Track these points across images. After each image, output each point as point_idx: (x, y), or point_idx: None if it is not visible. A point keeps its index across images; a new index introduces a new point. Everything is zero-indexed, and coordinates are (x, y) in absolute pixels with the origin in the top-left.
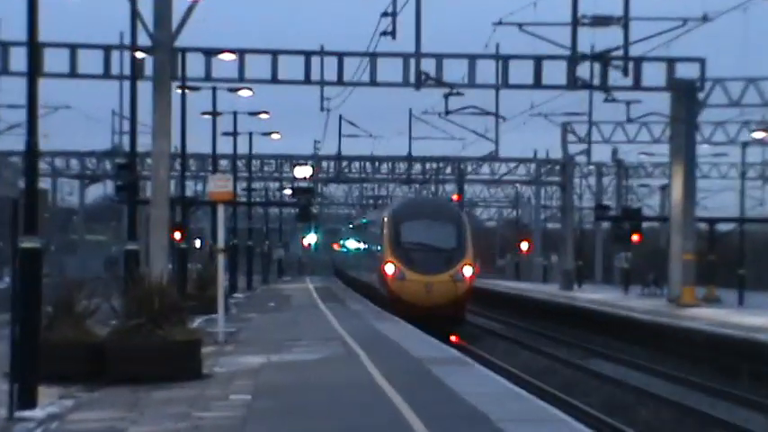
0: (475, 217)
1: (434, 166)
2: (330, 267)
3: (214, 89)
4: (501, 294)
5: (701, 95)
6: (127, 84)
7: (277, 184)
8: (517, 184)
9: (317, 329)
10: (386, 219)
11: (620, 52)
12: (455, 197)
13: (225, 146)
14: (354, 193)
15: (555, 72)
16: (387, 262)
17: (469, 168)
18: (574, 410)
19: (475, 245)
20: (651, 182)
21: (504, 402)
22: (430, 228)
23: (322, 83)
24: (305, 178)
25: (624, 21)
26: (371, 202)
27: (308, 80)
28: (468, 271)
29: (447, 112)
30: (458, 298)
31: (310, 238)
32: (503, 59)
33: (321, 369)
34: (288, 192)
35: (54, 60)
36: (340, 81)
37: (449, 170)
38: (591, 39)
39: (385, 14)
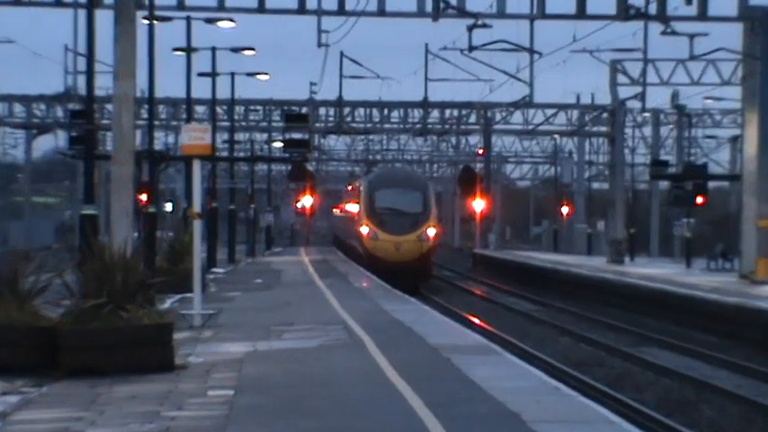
0: (503, 175)
1: (455, 113)
2: (329, 236)
3: (188, 19)
4: (535, 269)
5: None
6: (82, 13)
7: (265, 136)
8: (556, 136)
9: (313, 311)
10: (362, 187)
11: None
12: (480, 151)
13: (202, 89)
14: (359, 146)
15: None
16: (362, 224)
17: (498, 116)
18: (624, 409)
19: (505, 209)
20: (719, 132)
21: (539, 399)
22: (400, 195)
23: (319, 12)
24: (299, 128)
25: None
26: (379, 157)
27: (302, 9)
28: (431, 232)
29: (471, 48)
30: (423, 255)
31: (306, 201)
32: None
33: (318, 359)
34: (278, 145)
35: None
36: (341, 10)
37: (473, 118)
38: None
39: None
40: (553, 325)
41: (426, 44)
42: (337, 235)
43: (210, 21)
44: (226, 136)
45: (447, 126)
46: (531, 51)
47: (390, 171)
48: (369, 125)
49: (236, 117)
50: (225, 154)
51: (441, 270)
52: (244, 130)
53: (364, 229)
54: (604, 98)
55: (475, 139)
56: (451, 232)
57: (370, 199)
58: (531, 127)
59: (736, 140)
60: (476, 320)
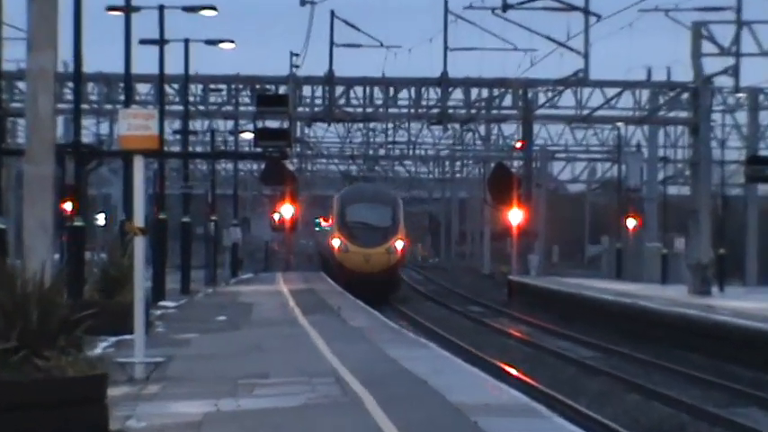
0: (549, 176)
1: (484, 94)
2: (316, 257)
3: None
4: (592, 302)
5: None
6: None
7: (230, 125)
8: (619, 124)
9: (295, 358)
10: (335, 201)
11: None
12: (518, 145)
13: (146, 62)
14: (355, 138)
15: None
16: (334, 237)
17: (542, 98)
18: None
19: (551, 221)
20: None
21: None
22: (370, 209)
23: None
24: (276, 114)
25: None
26: (382, 152)
27: None
28: (399, 245)
29: (505, 7)
30: (391, 267)
31: (285, 212)
32: None
33: (302, 423)
34: (248, 137)
35: None
36: None
37: (508, 101)
38: None
39: None
40: (616, 377)
41: (446, 2)
42: (325, 257)
43: None
44: (178, 124)
45: (473, 111)
46: (587, 12)
47: (361, 187)
48: (369, 110)
49: (191, 99)
50: (177, 148)
51: (466, 304)
52: (202, 117)
53: (336, 242)
54: (684, 74)
55: (510, 129)
56: (479, 253)
57: (341, 213)
58: (585, 112)
59: None
60: (513, 371)
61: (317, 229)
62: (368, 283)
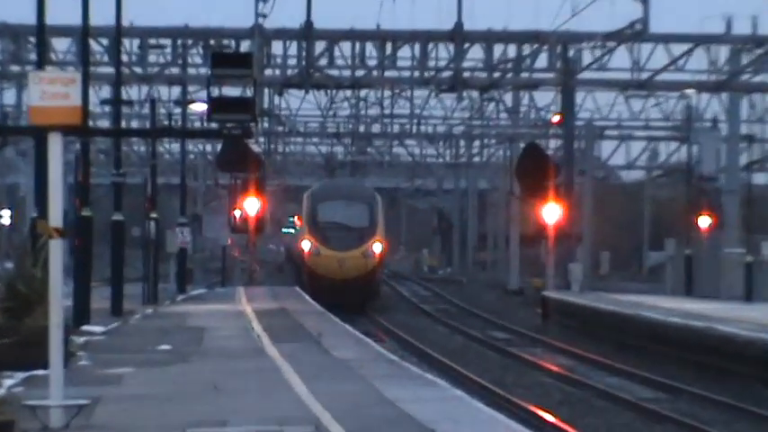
0: (596, 160)
1: (511, 52)
2: (290, 267)
3: None
4: (654, 327)
5: None
6: None
7: (177, 93)
8: (689, 92)
9: (262, 401)
10: (305, 199)
11: None
12: (555, 119)
13: (65, 10)
14: (342, 109)
15: None
16: (304, 239)
17: (587, 57)
18: None
19: (600, 220)
20: None
21: None
22: (344, 208)
23: None
24: (237, 79)
25: None
26: (377, 128)
27: None
28: (377, 248)
29: None
30: (368, 272)
31: (249, 207)
32: None
33: None
34: (199, 108)
35: None
36: None
37: (542, 61)
38: None
39: None
40: (689, 426)
41: None
42: (296, 263)
43: None
44: (108, 92)
45: (497, 74)
46: None
47: (335, 182)
48: (359, 73)
49: (125, 58)
50: (106, 123)
51: (487, 329)
52: (140, 82)
53: (305, 244)
54: None
55: (546, 98)
56: (504, 261)
57: (312, 212)
58: (644, 76)
59: None
60: (549, 417)
61: (286, 231)
62: (342, 291)
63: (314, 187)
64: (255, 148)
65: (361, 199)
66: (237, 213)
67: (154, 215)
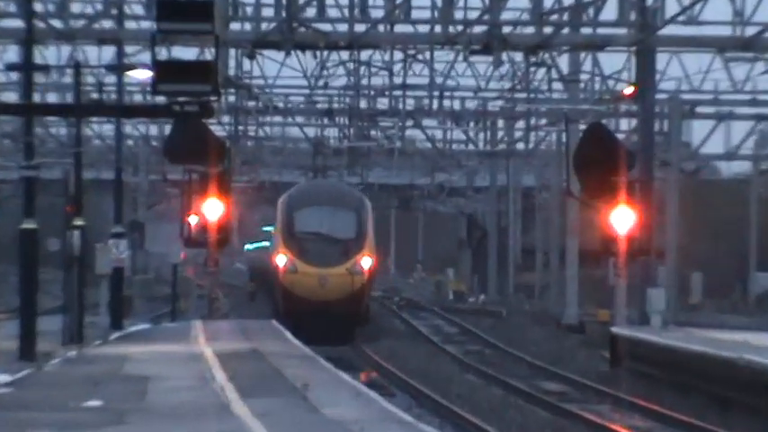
0: (686, 149)
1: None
2: (265, 290)
3: None
4: (761, 376)
5: None
6: None
7: (110, 55)
8: None
9: None
10: (279, 205)
11: None
12: (628, 90)
13: None
14: (336, 77)
15: None
16: (278, 253)
17: (672, 6)
18: None
19: (692, 230)
20: None
21: None
22: (326, 216)
23: None
24: (192, 35)
25: None
26: (384, 104)
27: None
28: (366, 263)
29: None
30: (355, 293)
31: (210, 212)
32: None
33: None
34: (139, 75)
35: None
36: None
37: (610, 11)
38: None
39: None
40: None
41: None
42: (268, 283)
43: None
44: (15, 54)
45: (547, 30)
46: None
47: (315, 185)
48: (359, 28)
49: (38, 8)
50: (13, 97)
51: (536, 378)
52: (60, 40)
53: (281, 259)
54: None
55: (616, 61)
56: (557, 286)
57: (288, 221)
58: (750, 31)
59: None
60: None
61: (252, 247)
62: (323, 316)
63: (290, 191)
64: (218, 133)
65: (347, 205)
66: (193, 220)
67: (78, 222)
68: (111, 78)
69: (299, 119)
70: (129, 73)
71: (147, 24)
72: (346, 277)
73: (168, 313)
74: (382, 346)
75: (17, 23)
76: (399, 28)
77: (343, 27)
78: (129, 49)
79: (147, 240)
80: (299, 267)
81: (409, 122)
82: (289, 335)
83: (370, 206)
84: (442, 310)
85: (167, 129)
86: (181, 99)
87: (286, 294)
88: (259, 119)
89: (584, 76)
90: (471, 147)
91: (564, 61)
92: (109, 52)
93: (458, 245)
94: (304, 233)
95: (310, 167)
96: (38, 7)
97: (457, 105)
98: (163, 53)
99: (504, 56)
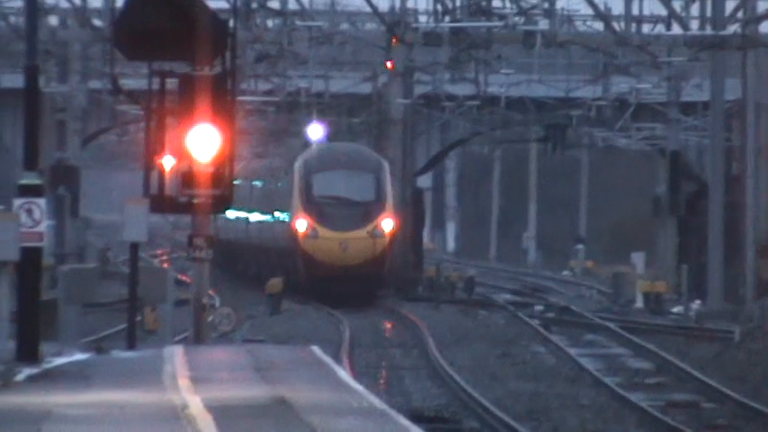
0: None
1: None
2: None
3: None
4: None
5: None
6: None
7: None
8: None
9: None
10: (296, 169)
11: None
12: None
13: None
14: None
15: None
16: (297, 218)
17: None
18: None
19: None
20: None
21: None
22: (345, 178)
23: None
24: None
25: None
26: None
27: None
28: (387, 225)
29: None
30: (377, 256)
31: (202, 144)
32: None
33: None
34: None
35: None
36: None
37: None
38: None
39: None
40: None
41: None
42: (280, 251)
43: None
44: None
45: None
46: None
47: (331, 148)
48: None
49: None
50: None
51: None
52: None
53: (301, 224)
54: None
55: None
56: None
57: (306, 184)
58: None
59: None
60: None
61: (232, 216)
62: (344, 281)
63: (305, 154)
64: (214, 3)
65: (365, 167)
66: (168, 164)
67: None
68: None
69: (361, 18)
70: None
71: None
72: (368, 241)
73: (123, 332)
74: (511, 390)
75: None
76: None
77: None
78: None
79: (83, 200)
80: (320, 232)
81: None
82: (341, 372)
83: (389, 167)
84: (623, 328)
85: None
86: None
87: (307, 260)
88: (292, 22)
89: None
90: (677, 29)
91: None
92: None
93: (652, 209)
94: (323, 197)
95: (381, 67)
96: None
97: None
98: None
99: None
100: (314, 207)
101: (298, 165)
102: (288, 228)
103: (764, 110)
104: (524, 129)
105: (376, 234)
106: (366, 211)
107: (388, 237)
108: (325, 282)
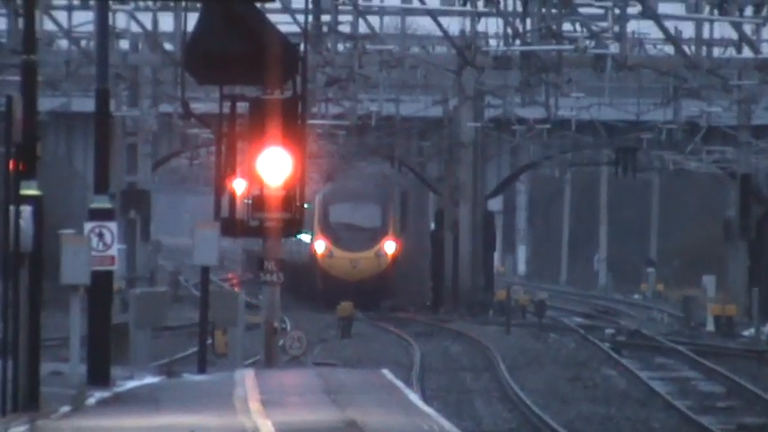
0: None
1: None
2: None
3: None
4: None
5: None
6: None
7: None
8: None
9: None
10: (317, 200)
11: None
12: None
13: None
14: None
15: None
16: (317, 240)
17: None
18: None
19: None
20: None
21: None
22: (356, 209)
23: None
24: None
25: None
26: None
27: None
28: (389, 248)
29: None
30: (381, 272)
31: (272, 168)
32: None
33: None
34: None
35: None
36: None
37: None
38: None
39: None
40: None
41: None
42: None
43: None
44: None
45: None
46: None
47: (345, 184)
48: None
49: None
50: None
51: None
52: None
53: (320, 246)
54: None
55: None
56: None
57: (324, 213)
58: None
59: None
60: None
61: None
62: (355, 293)
63: (324, 189)
64: (285, 28)
65: (373, 199)
66: (239, 187)
67: (31, 191)
68: None
69: (434, 1)
70: None
71: None
72: (374, 260)
73: (194, 356)
74: (582, 413)
75: None
76: None
77: None
78: None
79: (153, 224)
80: (335, 253)
81: (633, 6)
82: (412, 395)
83: (398, 195)
84: (694, 351)
85: (192, 19)
86: None
87: (324, 275)
88: (359, 0)
89: None
90: (748, 52)
91: None
92: None
93: (723, 231)
94: (338, 223)
95: (452, 88)
96: None
97: None
98: None
99: None
100: (330, 231)
101: (318, 197)
102: (308, 248)
103: None
104: (595, 152)
105: (380, 254)
106: (373, 236)
107: (391, 257)
108: (338, 293)
